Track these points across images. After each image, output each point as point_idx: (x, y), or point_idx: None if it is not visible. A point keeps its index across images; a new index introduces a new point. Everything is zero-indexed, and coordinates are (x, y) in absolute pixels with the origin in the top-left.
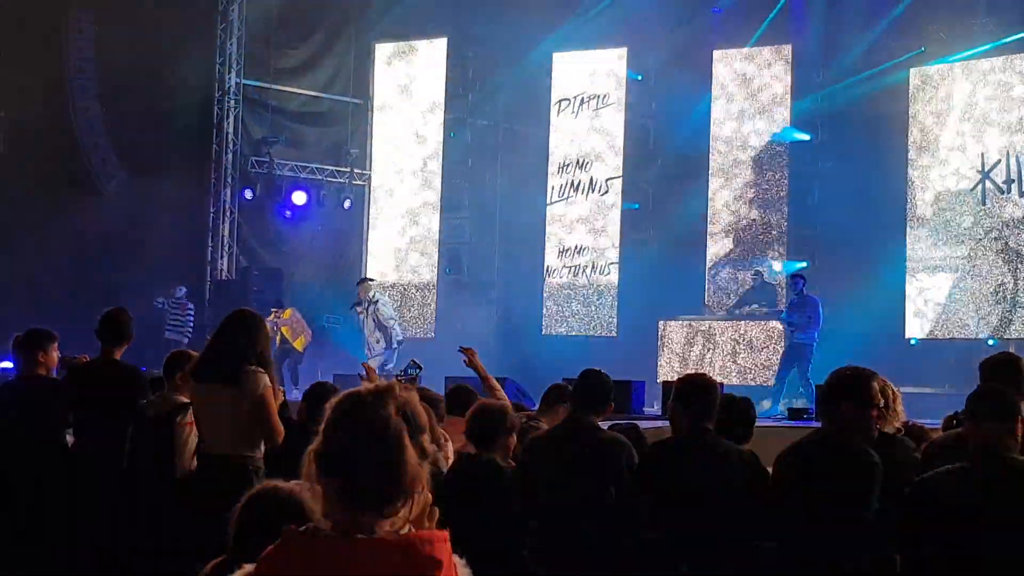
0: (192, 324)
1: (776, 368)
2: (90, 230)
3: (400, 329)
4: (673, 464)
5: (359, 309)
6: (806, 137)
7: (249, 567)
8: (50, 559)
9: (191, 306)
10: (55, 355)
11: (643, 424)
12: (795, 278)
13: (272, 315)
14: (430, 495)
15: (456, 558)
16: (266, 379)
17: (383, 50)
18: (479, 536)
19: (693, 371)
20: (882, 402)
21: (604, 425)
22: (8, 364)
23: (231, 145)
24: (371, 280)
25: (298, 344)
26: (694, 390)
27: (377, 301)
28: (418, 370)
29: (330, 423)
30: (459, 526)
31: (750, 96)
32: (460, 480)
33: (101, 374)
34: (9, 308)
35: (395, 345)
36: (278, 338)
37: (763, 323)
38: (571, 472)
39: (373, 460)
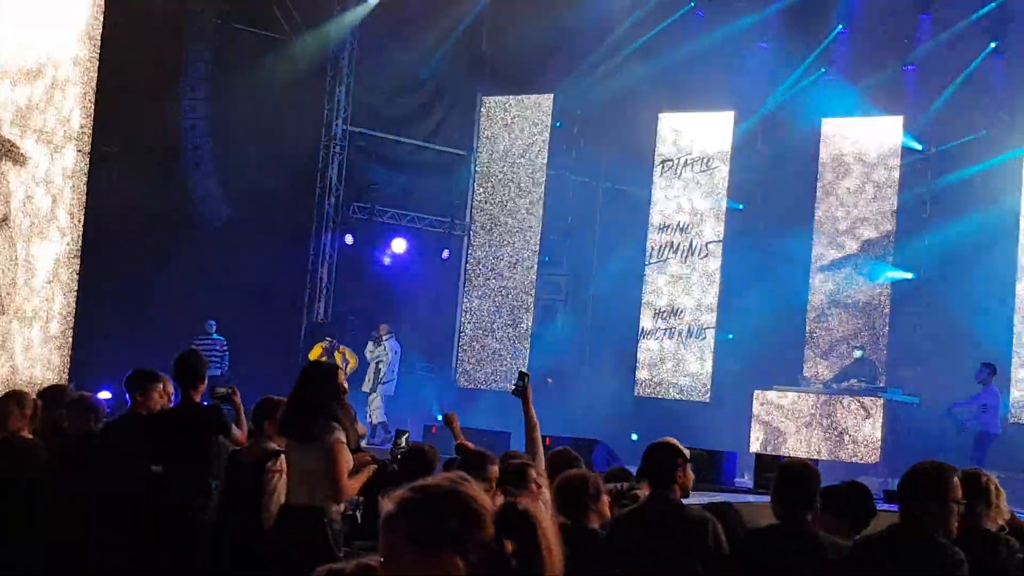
0: (226, 357)
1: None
2: (193, 266)
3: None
4: (766, 553)
5: (372, 349)
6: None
7: None
8: None
9: (222, 340)
10: (156, 396)
11: (733, 497)
12: (984, 366)
13: (327, 342)
14: None
15: None
16: (337, 435)
17: (490, 103)
18: None
19: (786, 444)
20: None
21: (699, 500)
22: (107, 395)
23: (334, 190)
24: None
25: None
26: (794, 478)
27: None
28: (526, 377)
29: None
30: None
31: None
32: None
33: (184, 418)
34: (115, 341)
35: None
36: (338, 358)
37: (861, 399)
38: (655, 551)
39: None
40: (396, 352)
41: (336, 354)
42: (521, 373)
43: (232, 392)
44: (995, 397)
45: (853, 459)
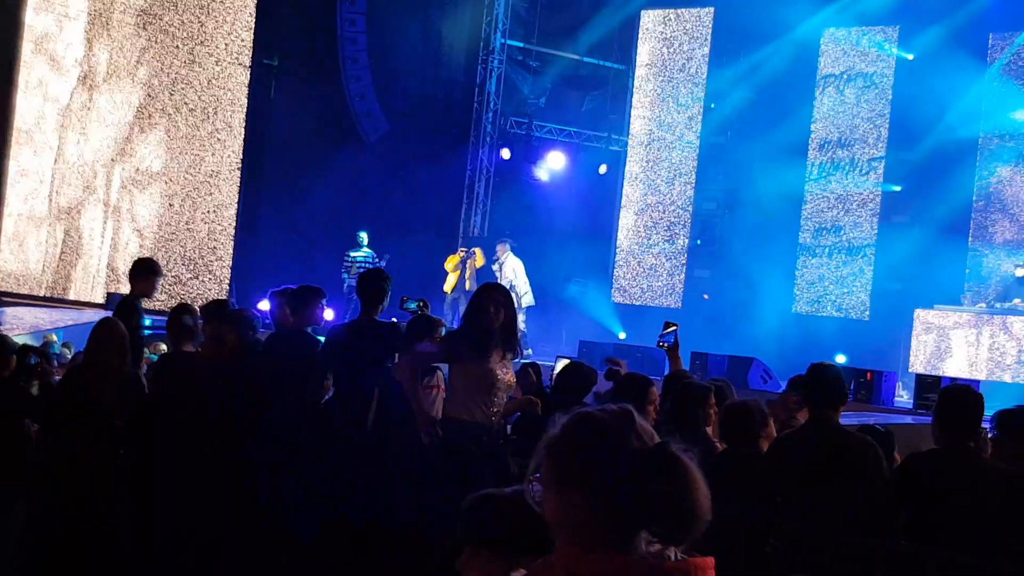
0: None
1: None
2: (351, 179)
3: (529, 296)
4: (930, 478)
5: (494, 267)
6: None
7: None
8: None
9: (372, 253)
10: (318, 313)
11: (892, 419)
12: None
13: (462, 252)
14: None
15: None
16: None
17: (649, 17)
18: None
19: (947, 365)
20: None
21: (858, 420)
22: (266, 306)
23: (492, 105)
24: (509, 241)
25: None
26: (957, 403)
27: (504, 263)
28: (675, 329)
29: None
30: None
31: None
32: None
33: (364, 332)
34: (274, 249)
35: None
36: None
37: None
38: (816, 475)
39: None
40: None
41: (469, 261)
42: (667, 323)
43: (424, 305)
44: None
45: (1016, 379)
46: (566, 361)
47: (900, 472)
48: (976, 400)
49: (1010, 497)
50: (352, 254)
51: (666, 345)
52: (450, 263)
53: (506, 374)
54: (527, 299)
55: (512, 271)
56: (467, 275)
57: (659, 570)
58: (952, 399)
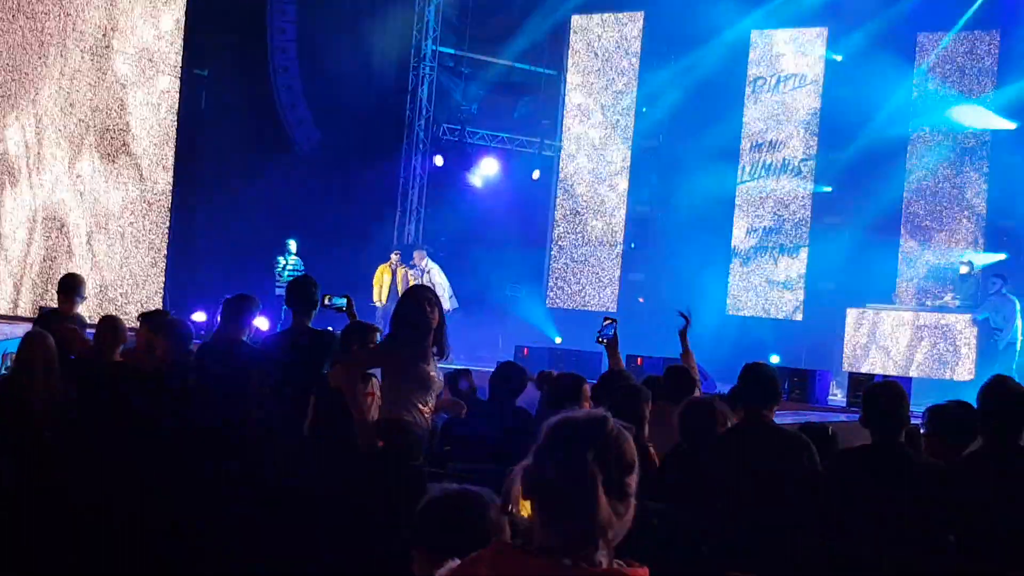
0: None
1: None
2: (283, 188)
3: (454, 300)
4: (859, 473)
5: (421, 276)
6: (1012, 125)
7: (453, 564)
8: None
9: (287, 260)
10: (250, 321)
11: (826, 416)
12: (995, 277)
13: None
14: (628, 525)
15: None
16: None
17: (580, 22)
18: None
19: (878, 363)
20: None
21: (792, 419)
22: (202, 316)
23: (424, 112)
24: (426, 248)
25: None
26: (879, 401)
27: (430, 270)
28: (614, 324)
29: (540, 447)
30: None
31: (957, 83)
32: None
33: (299, 340)
34: (207, 260)
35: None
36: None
37: (957, 315)
38: (749, 472)
39: (563, 504)
40: (437, 271)
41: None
42: (606, 318)
43: (350, 302)
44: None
45: (949, 376)
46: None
47: (831, 467)
48: (897, 395)
49: (935, 490)
50: (281, 261)
51: (605, 340)
52: (379, 274)
53: (438, 375)
54: (452, 303)
55: (438, 275)
56: (398, 282)
57: None
58: (873, 396)
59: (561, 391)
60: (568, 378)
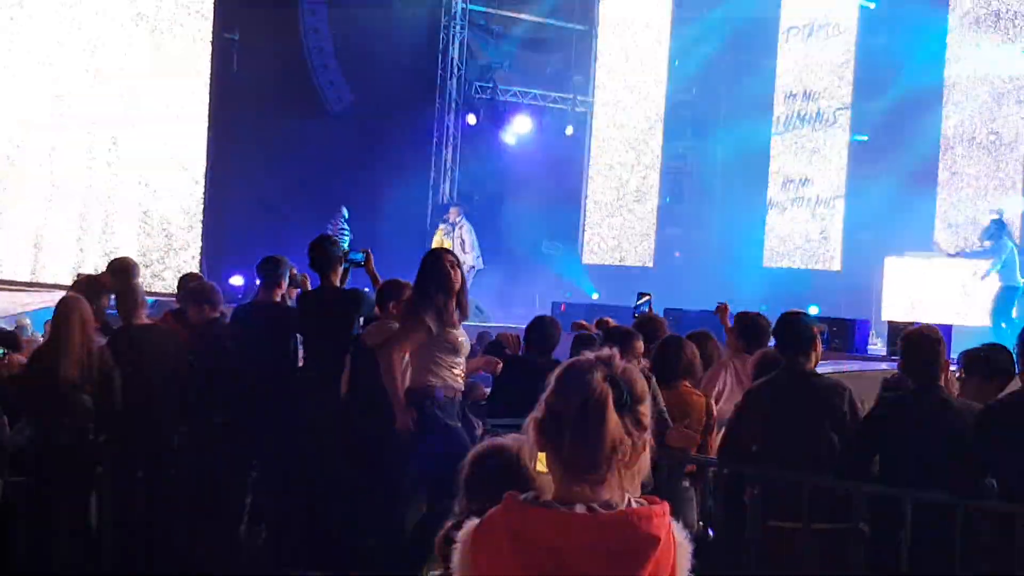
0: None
1: None
2: (317, 151)
3: (479, 260)
4: (900, 419)
5: (450, 232)
6: None
7: (473, 523)
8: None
9: (342, 226)
10: (285, 284)
11: (866, 365)
12: (992, 221)
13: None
14: (647, 467)
15: (677, 532)
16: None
17: None
18: None
19: (919, 311)
20: None
21: (833, 368)
22: (239, 280)
23: (456, 70)
24: (461, 206)
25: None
26: (919, 345)
27: (463, 226)
28: (649, 300)
29: (549, 391)
30: None
31: (993, 28)
32: None
33: (327, 298)
34: (241, 221)
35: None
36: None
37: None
38: (790, 419)
39: (575, 428)
40: (469, 229)
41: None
42: (641, 294)
43: (369, 256)
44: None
45: (986, 324)
46: None
47: (870, 416)
48: (933, 341)
49: (975, 433)
50: (332, 226)
51: (640, 316)
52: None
53: (465, 338)
54: (479, 262)
55: (467, 233)
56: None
57: (595, 522)
58: (911, 343)
59: (615, 339)
60: (622, 331)
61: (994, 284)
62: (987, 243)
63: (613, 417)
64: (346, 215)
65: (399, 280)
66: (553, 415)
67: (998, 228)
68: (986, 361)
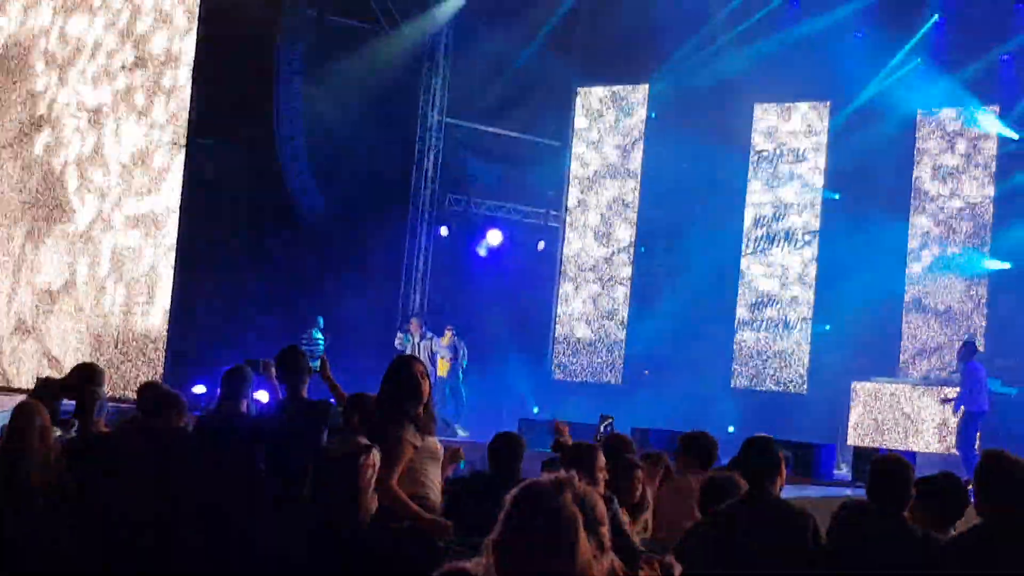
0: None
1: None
2: (288, 258)
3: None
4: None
5: (403, 344)
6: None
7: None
8: None
9: (316, 336)
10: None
11: (830, 491)
12: (963, 344)
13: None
14: None
15: None
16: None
17: (585, 93)
18: None
19: (885, 437)
20: None
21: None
22: (202, 389)
23: (430, 182)
24: (421, 317)
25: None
26: (887, 473)
27: (432, 337)
28: (611, 420)
29: (507, 513)
30: None
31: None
32: None
33: (296, 410)
34: (209, 332)
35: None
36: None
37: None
38: (755, 548)
39: (545, 551)
40: (437, 340)
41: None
42: (603, 416)
43: (323, 363)
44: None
45: (952, 451)
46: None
47: (834, 539)
48: (904, 468)
49: (942, 566)
50: (314, 335)
51: (603, 438)
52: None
53: (440, 444)
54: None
55: (438, 344)
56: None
57: None
58: (879, 468)
59: (576, 460)
60: (584, 447)
61: (959, 411)
62: (957, 367)
63: (584, 542)
64: (321, 324)
65: (365, 394)
66: (514, 539)
67: (968, 353)
68: (941, 493)
